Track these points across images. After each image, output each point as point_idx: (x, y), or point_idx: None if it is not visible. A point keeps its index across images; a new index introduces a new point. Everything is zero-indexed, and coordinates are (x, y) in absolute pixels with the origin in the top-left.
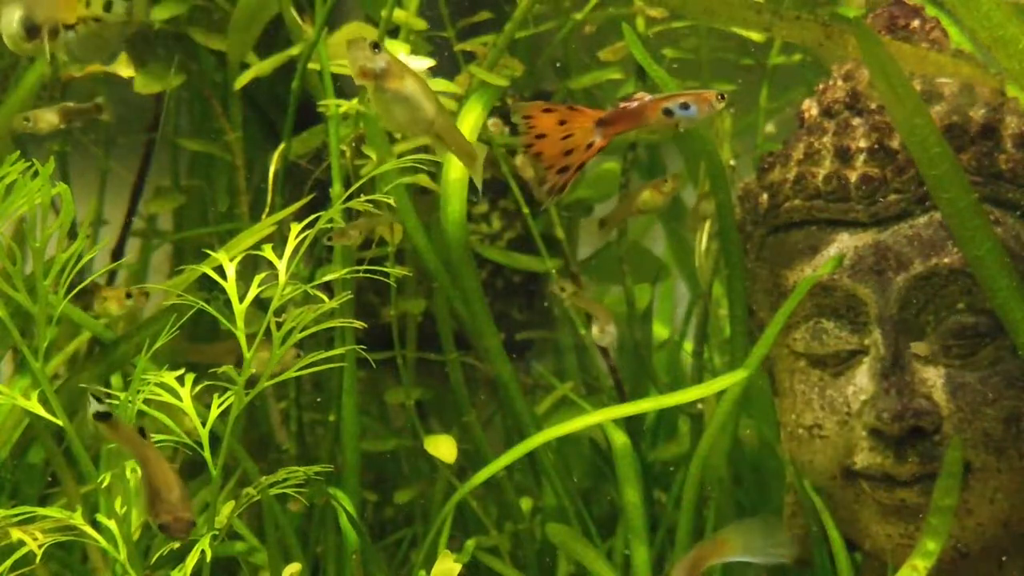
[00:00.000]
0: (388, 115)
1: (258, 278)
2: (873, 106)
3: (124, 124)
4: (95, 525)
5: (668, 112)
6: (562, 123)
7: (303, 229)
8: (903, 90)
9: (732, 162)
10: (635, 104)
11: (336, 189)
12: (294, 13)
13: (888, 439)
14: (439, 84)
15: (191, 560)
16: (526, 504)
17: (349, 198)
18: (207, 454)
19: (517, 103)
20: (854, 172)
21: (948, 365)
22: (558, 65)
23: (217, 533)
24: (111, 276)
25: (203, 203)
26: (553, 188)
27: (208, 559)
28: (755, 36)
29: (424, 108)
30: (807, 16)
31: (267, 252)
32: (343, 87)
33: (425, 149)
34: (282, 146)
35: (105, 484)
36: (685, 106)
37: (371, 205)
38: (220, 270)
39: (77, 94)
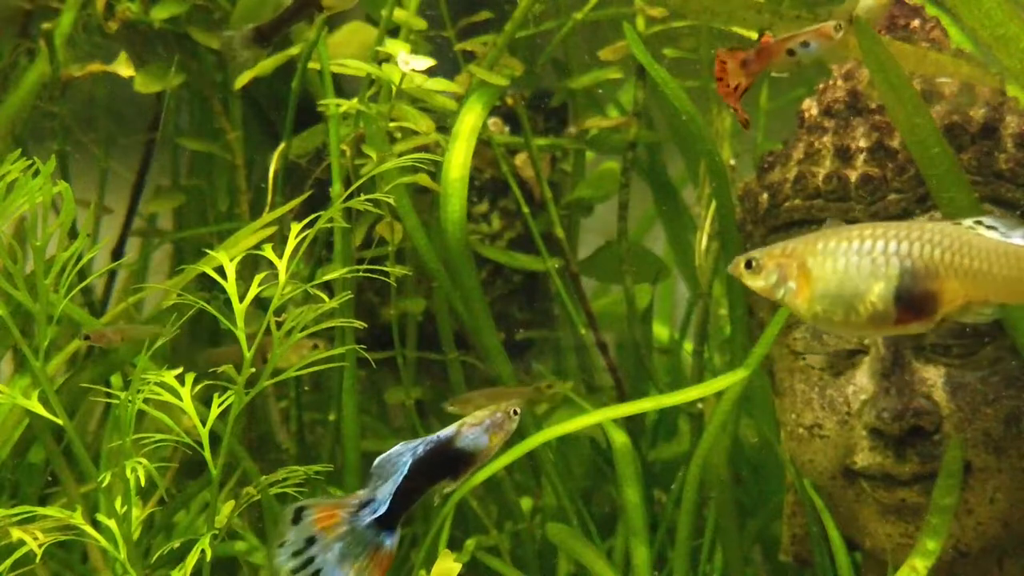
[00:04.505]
0: None
1: (258, 277)
2: (873, 106)
3: (124, 124)
4: (95, 524)
5: (791, 52)
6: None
7: (303, 228)
8: (903, 90)
9: (732, 161)
10: (762, 46)
11: (336, 188)
12: None
13: (888, 438)
14: (439, 84)
15: (191, 560)
16: (526, 504)
17: (349, 197)
18: (207, 454)
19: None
20: (854, 172)
21: (948, 365)
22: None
23: (217, 533)
24: (111, 275)
25: (203, 202)
26: (744, 123)
27: (208, 559)
28: (755, 36)
29: None
30: (807, 16)
31: (267, 252)
32: (343, 87)
33: (426, 149)
34: (282, 146)
35: (105, 484)
36: (806, 44)
37: (371, 204)
38: (220, 270)
39: (77, 93)
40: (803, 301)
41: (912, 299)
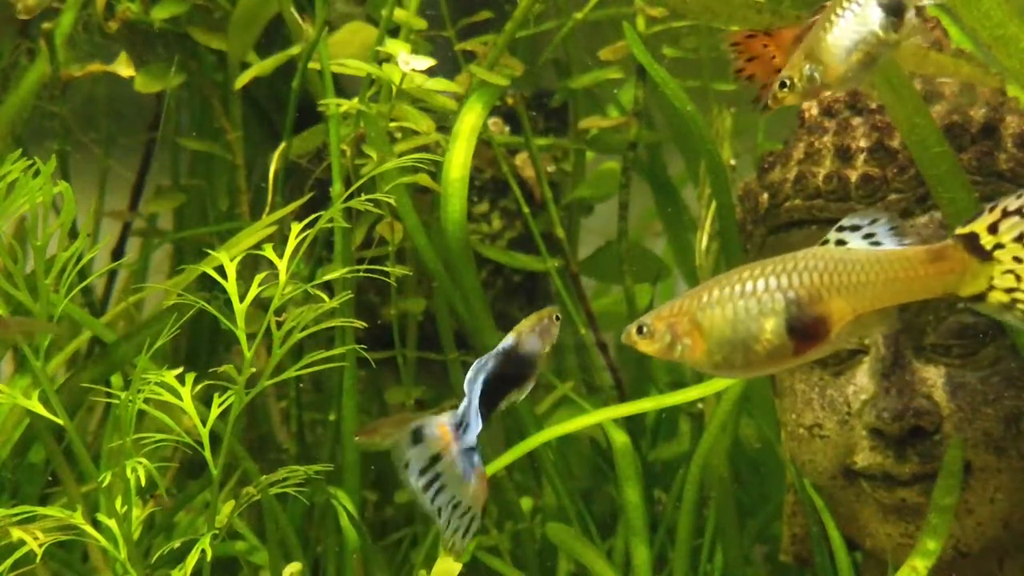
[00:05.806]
0: None
1: (258, 277)
2: (873, 106)
3: (124, 124)
4: (96, 524)
5: None
6: (766, 46)
7: (303, 228)
8: (903, 90)
9: (732, 162)
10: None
11: (336, 188)
12: (294, 13)
13: (888, 438)
14: (439, 83)
15: (191, 560)
16: (526, 504)
17: (349, 197)
18: (207, 453)
19: (728, 32)
20: (854, 172)
21: (948, 365)
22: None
23: (217, 533)
24: (111, 275)
25: (204, 202)
26: (766, 104)
27: (208, 559)
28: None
29: None
30: (807, 16)
31: (267, 251)
32: (343, 86)
33: (426, 149)
34: (282, 145)
35: (106, 483)
36: None
37: (371, 204)
38: (220, 270)
39: (77, 93)
40: (701, 354)
41: (804, 327)
